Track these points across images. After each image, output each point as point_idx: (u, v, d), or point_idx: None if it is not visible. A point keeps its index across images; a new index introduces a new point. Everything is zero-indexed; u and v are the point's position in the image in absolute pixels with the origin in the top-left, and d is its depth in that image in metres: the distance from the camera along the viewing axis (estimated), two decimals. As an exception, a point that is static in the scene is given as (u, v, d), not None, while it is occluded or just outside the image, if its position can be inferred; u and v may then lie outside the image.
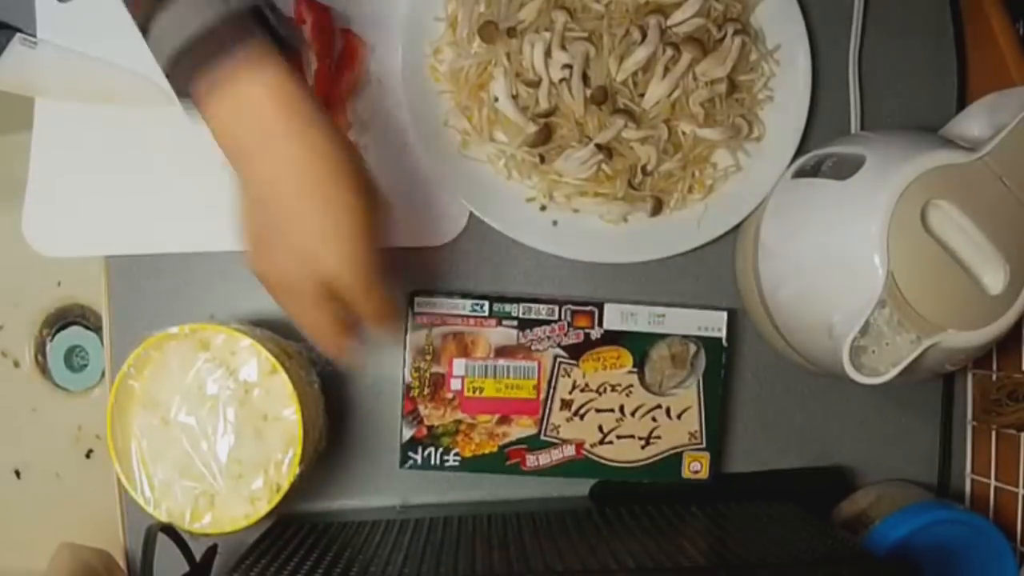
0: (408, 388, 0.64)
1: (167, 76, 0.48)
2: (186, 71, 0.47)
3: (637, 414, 0.65)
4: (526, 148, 0.63)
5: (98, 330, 0.81)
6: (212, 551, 0.58)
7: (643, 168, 0.64)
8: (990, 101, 0.60)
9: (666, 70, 0.63)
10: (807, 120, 0.67)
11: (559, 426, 0.64)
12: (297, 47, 0.50)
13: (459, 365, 0.64)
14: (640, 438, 0.65)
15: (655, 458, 0.65)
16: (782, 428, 0.69)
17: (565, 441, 0.65)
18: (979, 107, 0.61)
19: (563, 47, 0.63)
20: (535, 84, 0.63)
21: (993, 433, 0.67)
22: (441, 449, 0.64)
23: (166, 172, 0.65)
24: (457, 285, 0.66)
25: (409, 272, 0.66)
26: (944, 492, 0.69)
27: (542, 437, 0.64)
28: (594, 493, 0.66)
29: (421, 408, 0.64)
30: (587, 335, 0.64)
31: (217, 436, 0.56)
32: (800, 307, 0.60)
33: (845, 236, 0.55)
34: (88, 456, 0.84)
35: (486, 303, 0.64)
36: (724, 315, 0.65)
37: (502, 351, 0.64)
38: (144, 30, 0.47)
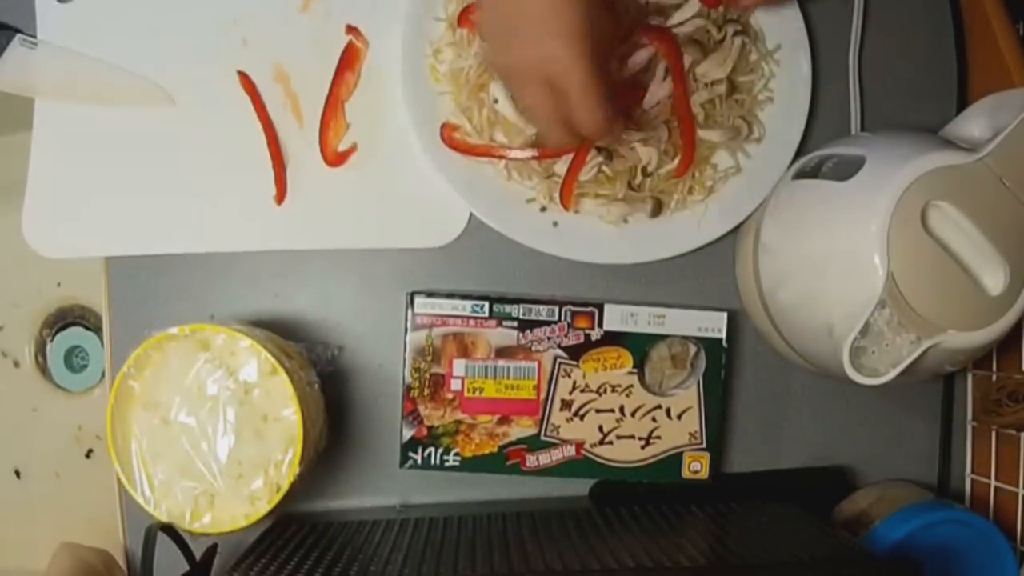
0: (408, 388, 0.64)
1: None
2: None
3: (637, 414, 0.65)
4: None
5: (98, 330, 0.81)
6: (212, 551, 0.58)
7: (643, 169, 0.64)
8: (990, 102, 0.60)
9: (667, 71, 0.63)
10: (807, 121, 0.67)
11: (559, 426, 0.64)
12: None
13: (459, 365, 0.64)
14: (640, 438, 0.65)
15: (655, 458, 0.65)
16: (782, 428, 0.69)
17: (565, 441, 0.65)
18: (979, 108, 0.61)
19: (563, 47, 0.63)
20: (535, 84, 0.63)
21: (993, 433, 0.67)
22: (441, 449, 0.64)
23: (166, 172, 0.65)
24: (457, 285, 0.66)
25: (409, 272, 0.66)
26: (944, 492, 0.69)
27: (542, 437, 0.64)
28: (594, 493, 0.66)
29: (421, 408, 0.64)
30: (587, 336, 0.64)
31: (217, 436, 0.56)
32: (800, 307, 0.60)
33: (845, 237, 0.55)
34: (88, 456, 0.84)
35: (486, 304, 0.64)
36: (724, 316, 0.65)
37: (502, 352, 0.64)
38: None
